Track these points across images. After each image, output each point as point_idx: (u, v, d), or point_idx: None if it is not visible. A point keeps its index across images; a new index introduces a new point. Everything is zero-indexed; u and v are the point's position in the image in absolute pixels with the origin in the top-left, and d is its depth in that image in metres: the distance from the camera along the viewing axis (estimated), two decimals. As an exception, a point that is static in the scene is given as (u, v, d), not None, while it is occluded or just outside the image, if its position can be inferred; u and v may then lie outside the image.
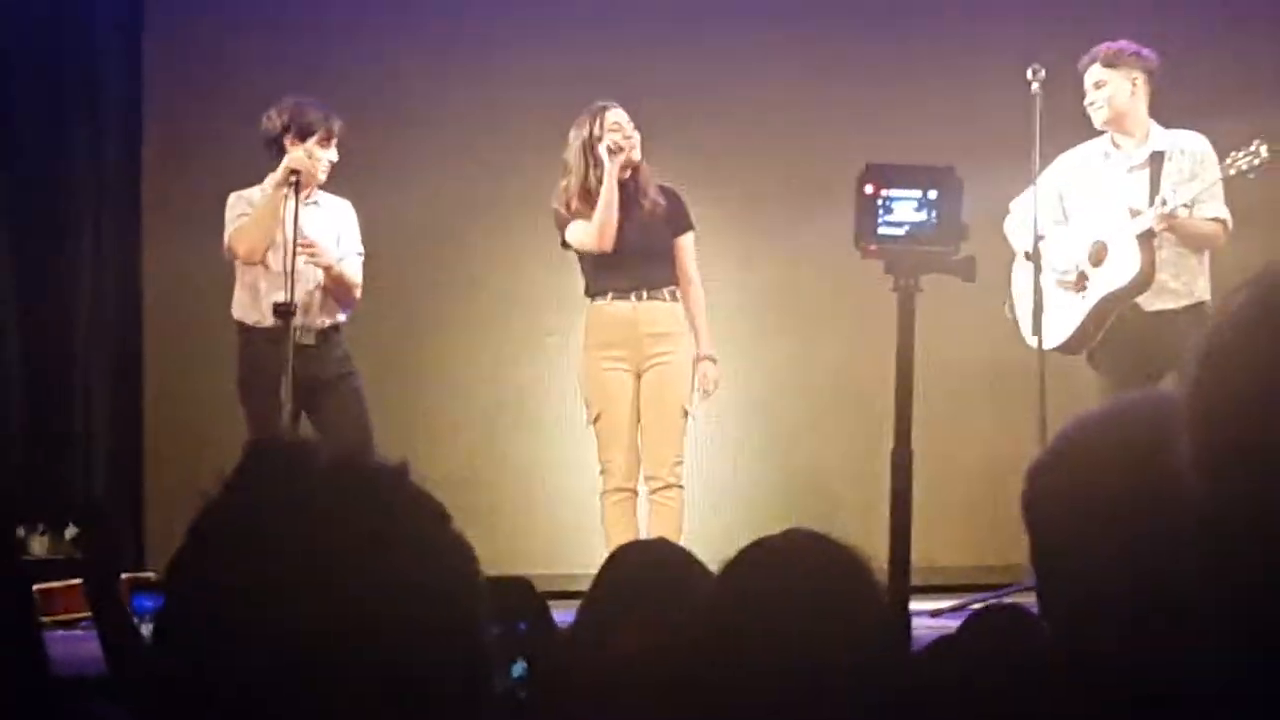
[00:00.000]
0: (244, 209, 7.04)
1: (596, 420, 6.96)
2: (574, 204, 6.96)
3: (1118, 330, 6.68)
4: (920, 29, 8.42)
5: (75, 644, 4.65)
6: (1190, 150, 6.77)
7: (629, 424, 6.92)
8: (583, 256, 7.04)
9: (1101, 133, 6.86)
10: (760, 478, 8.43)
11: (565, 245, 7.06)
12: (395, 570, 1.26)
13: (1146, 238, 6.61)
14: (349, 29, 8.79)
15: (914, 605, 4.24)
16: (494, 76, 8.68)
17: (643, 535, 6.67)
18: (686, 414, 6.98)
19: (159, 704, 1.29)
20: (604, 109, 6.98)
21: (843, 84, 8.42)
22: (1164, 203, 6.55)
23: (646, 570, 2.90)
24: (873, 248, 3.93)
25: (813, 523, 2.39)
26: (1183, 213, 6.59)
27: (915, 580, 3.88)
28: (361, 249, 7.22)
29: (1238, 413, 1.11)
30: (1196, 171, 6.70)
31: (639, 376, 6.93)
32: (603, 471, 6.97)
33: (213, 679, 1.24)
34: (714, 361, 7.03)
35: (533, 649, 3.03)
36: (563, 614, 3.18)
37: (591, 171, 6.94)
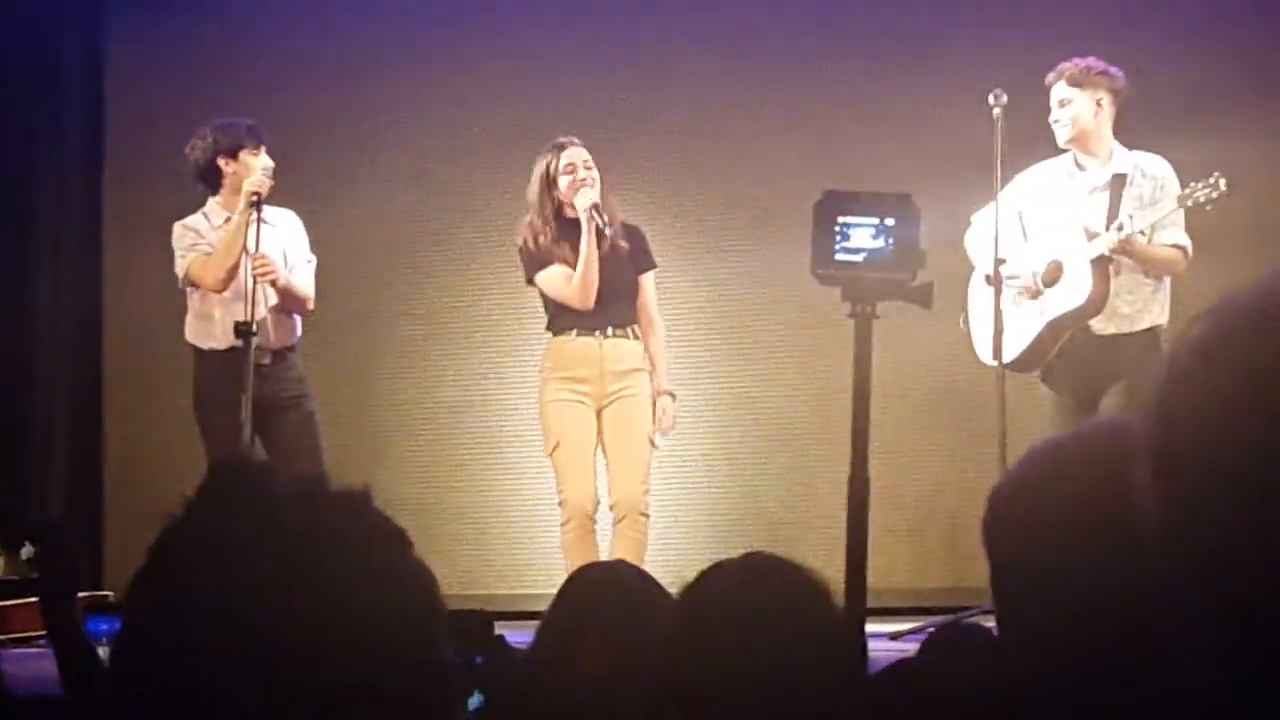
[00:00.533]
0: (193, 240, 7.04)
1: (555, 450, 6.95)
2: (540, 241, 6.94)
3: (1070, 351, 6.64)
4: (881, 52, 8.44)
5: (30, 662, 4.64)
6: (1152, 174, 6.74)
7: (587, 455, 6.90)
8: (546, 297, 7.02)
9: (1064, 151, 6.83)
10: (718, 502, 8.43)
11: (530, 283, 7.04)
12: (357, 595, 1.26)
13: (1101, 262, 6.58)
14: (310, 48, 8.79)
15: (873, 628, 4.25)
16: (450, 96, 8.68)
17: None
18: (653, 444, 6.99)
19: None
20: (561, 147, 6.95)
21: (803, 109, 8.44)
22: (1120, 228, 6.52)
23: (605, 592, 2.90)
24: (830, 274, 3.94)
25: (772, 547, 2.40)
26: (1140, 239, 6.58)
27: (874, 603, 3.88)
28: (311, 256, 7.21)
29: (1195, 441, 1.12)
30: (1157, 197, 6.68)
31: (600, 412, 6.92)
32: (561, 503, 6.93)
33: (171, 700, 1.24)
34: (672, 397, 7.03)
35: (489, 681, 3.02)
36: (522, 635, 3.18)
37: (549, 209, 6.90)
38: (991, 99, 6.70)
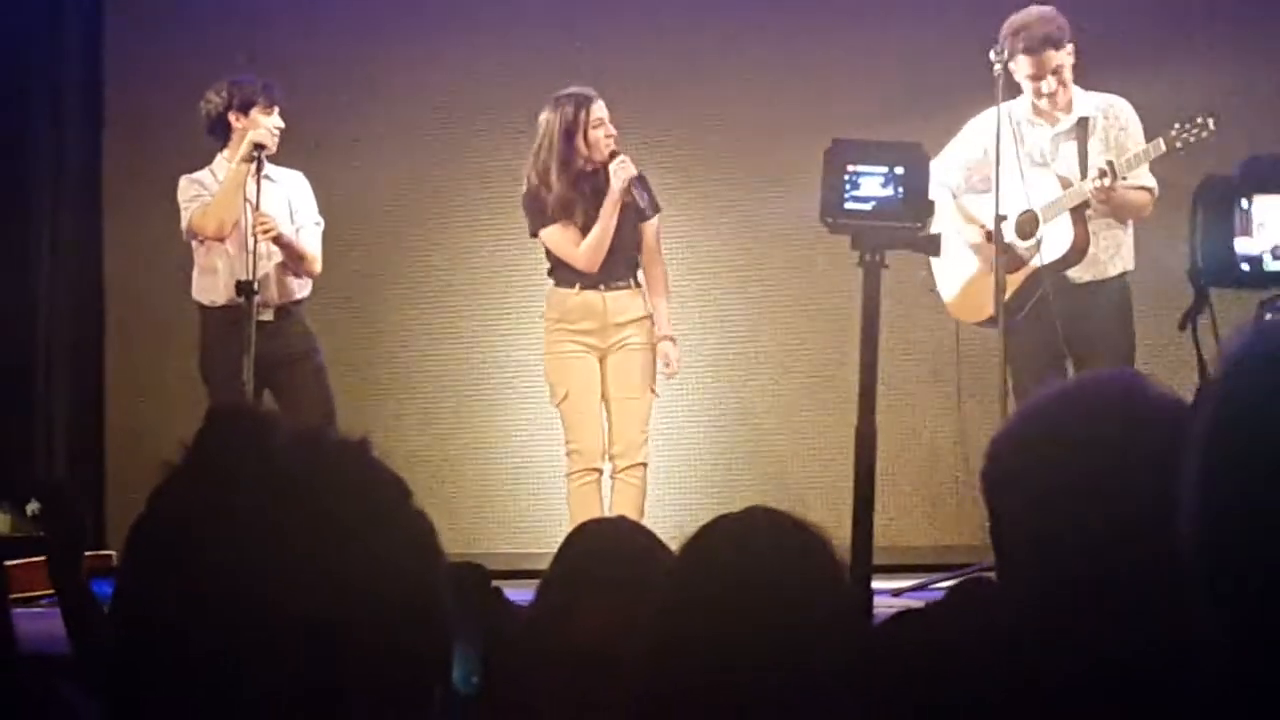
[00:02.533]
0: (197, 191, 7.07)
1: (563, 401, 6.95)
2: (547, 193, 6.90)
3: (1043, 302, 6.47)
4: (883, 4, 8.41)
5: (37, 621, 4.64)
6: (1114, 115, 6.62)
7: (595, 405, 6.94)
8: (550, 252, 7.02)
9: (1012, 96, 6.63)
10: (721, 455, 8.43)
11: (534, 235, 7.03)
12: (355, 542, 1.26)
13: (1081, 209, 6.50)
14: (309, 9, 8.77)
15: (876, 584, 4.24)
16: (449, 57, 8.66)
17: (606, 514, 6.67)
18: (653, 392, 7.02)
19: (119, 675, 1.28)
20: (589, 100, 6.91)
21: (804, 57, 8.40)
22: (1103, 174, 6.40)
23: (607, 549, 2.90)
24: (839, 223, 3.93)
25: (776, 501, 2.39)
26: (1120, 182, 6.45)
27: (878, 559, 3.88)
28: (319, 219, 7.23)
29: (1252, 471, 1.12)
30: (1121, 139, 6.56)
31: (603, 360, 6.95)
32: (570, 453, 6.97)
33: (170, 645, 1.24)
34: (673, 341, 7.04)
35: (487, 635, 3.02)
36: (523, 593, 3.17)
37: (569, 159, 6.86)
38: (992, 55, 6.52)
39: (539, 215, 6.96)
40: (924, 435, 8.08)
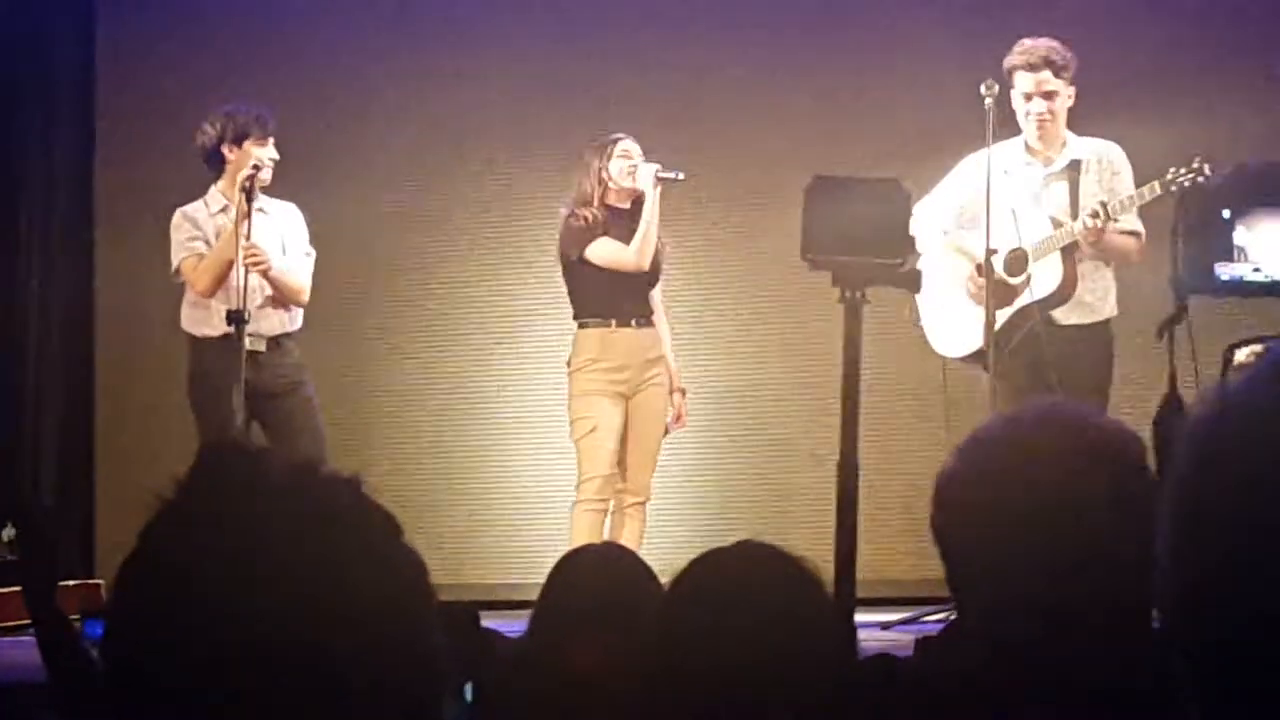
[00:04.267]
0: (191, 231, 7.07)
1: (589, 434, 7.04)
2: (592, 219, 7.05)
3: (1028, 342, 6.48)
4: (866, 39, 8.42)
5: (21, 650, 4.62)
6: (1107, 159, 6.64)
7: (616, 442, 7.07)
8: (585, 282, 7.11)
9: (1009, 135, 6.66)
10: (710, 490, 8.43)
11: (580, 261, 7.10)
12: (347, 580, 1.26)
13: (1070, 249, 6.52)
14: (303, 32, 8.78)
15: (864, 618, 4.24)
16: (445, 83, 8.67)
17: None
18: (666, 432, 7.24)
19: (109, 711, 1.27)
20: (616, 140, 7.13)
21: (795, 93, 8.42)
22: (1095, 214, 6.40)
23: (597, 577, 2.89)
24: (820, 259, 3.93)
25: (764, 535, 2.39)
26: (1110, 225, 6.47)
27: (864, 593, 3.88)
28: (310, 250, 7.23)
29: (1233, 507, 1.12)
30: (1114, 184, 6.58)
31: (628, 399, 7.10)
32: (583, 482, 7.06)
33: (162, 682, 1.23)
34: (684, 394, 7.29)
35: (478, 674, 3.01)
36: (512, 624, 3.17)
37: (598, 198, 7.06)
38: (983, 89, 6.52)
39: (583, 234, 7.08)
40: (911, 468, 8.06)
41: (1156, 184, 6.42)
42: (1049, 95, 6.61)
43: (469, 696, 2.93)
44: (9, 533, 7.07)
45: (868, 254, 3.90)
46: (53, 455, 8.70)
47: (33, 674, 3.71)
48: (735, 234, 8.45)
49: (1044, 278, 6.54)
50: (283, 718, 1.22)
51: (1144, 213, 6.56)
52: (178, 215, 7.14)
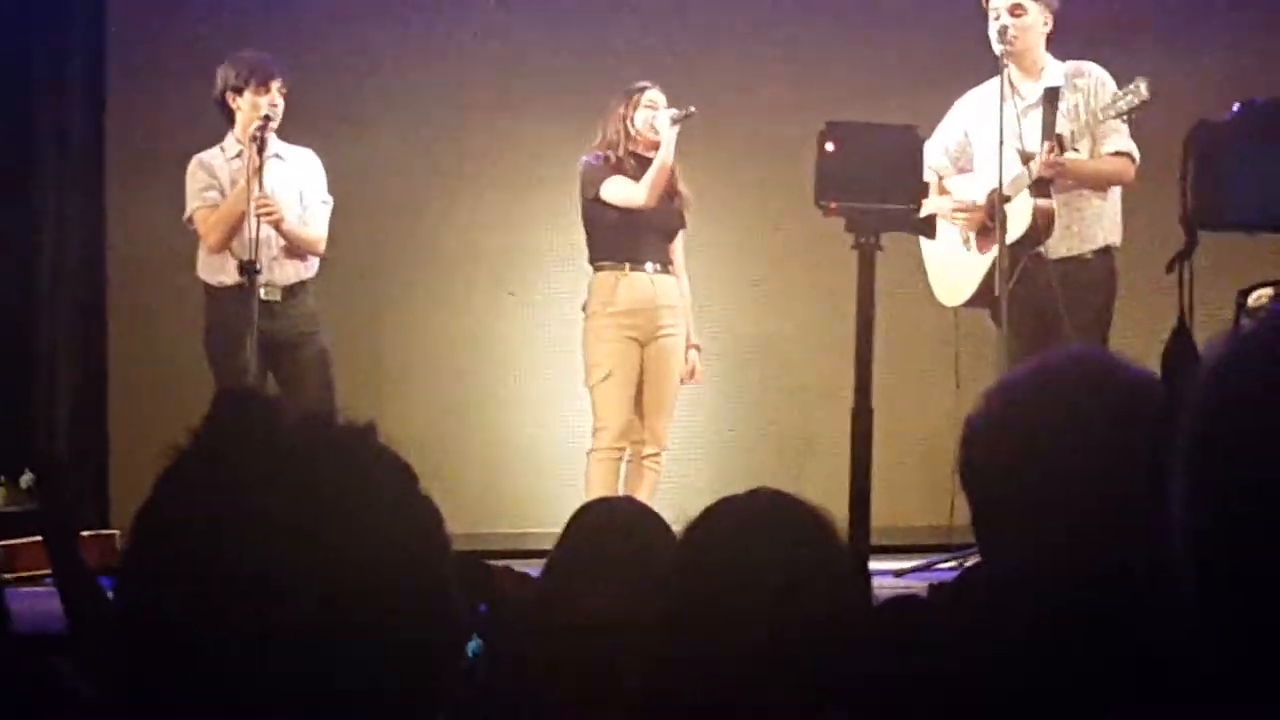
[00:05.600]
0: (206, 180, 7.08)
1: (605, 379, 7.06)
2: (611, 160, 7.10)
3: (1023, 280, 6.38)
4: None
5: (40, 600, 4.64)
6: (1083, 84, 6.56)
7: (632, 389, 7.10)
8: (600, 222, 7.13)
9: (992, 73, 6.58)
10: (727, 436, 8.43)
11: (595, 200, 7.13)
12: (362, 527, 1.26)
13: (1040, 184, 6.40)
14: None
15: (878, 565, 4.26)
16: (454, 39, 8.64)
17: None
18: (680, 383, 7.26)
19: (123, 657, 1.28)
20: (643, 89, 7.17)
21: (807, 41, 8.39)
22: (1051, 149, 6.31)
23: (614, 528, 2.90)
24: (834, 206, 3.93)
25: (779, 483, 2.39)
26: (1074, 156, 6.39)
27: (879, 540, 3.89)
28: (328, 198, 7.24)
29: (1250, 450, 1.12)
30: (1092, 105, 6.46)
31: (644, 346, 7.11)
32: (598, 430, 7.11)
33: (176, 631, 1.24)
34: (699, 350, 7.31)
35: (490, 628, 3.02)
36: (528, 573, 3.18)
37: (623, 146, 7.11)
38: (996, 34, 6.51)
39: (599, 173, 7.12)
40: (925, 415, 8.06)
41: (1098, 113, 6.36)
42: (1015, 10, 6.53)
43: (472, 652, 2.94)
44: (28, 479, 7.08)
45: (881, 200, 3.89)
46: (66, 406, 8.70)
47: (54, 623, 3.72)
48: (748, 181, 8.42)
49: (1016, 217, 6.43)
50: (298, 665, 1.22)
51: (1149, 144, 6.47)
52: (193, 162, 7.15)
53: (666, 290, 7.15)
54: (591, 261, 7.22)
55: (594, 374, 7.12)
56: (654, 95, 7.15)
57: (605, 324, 7.08)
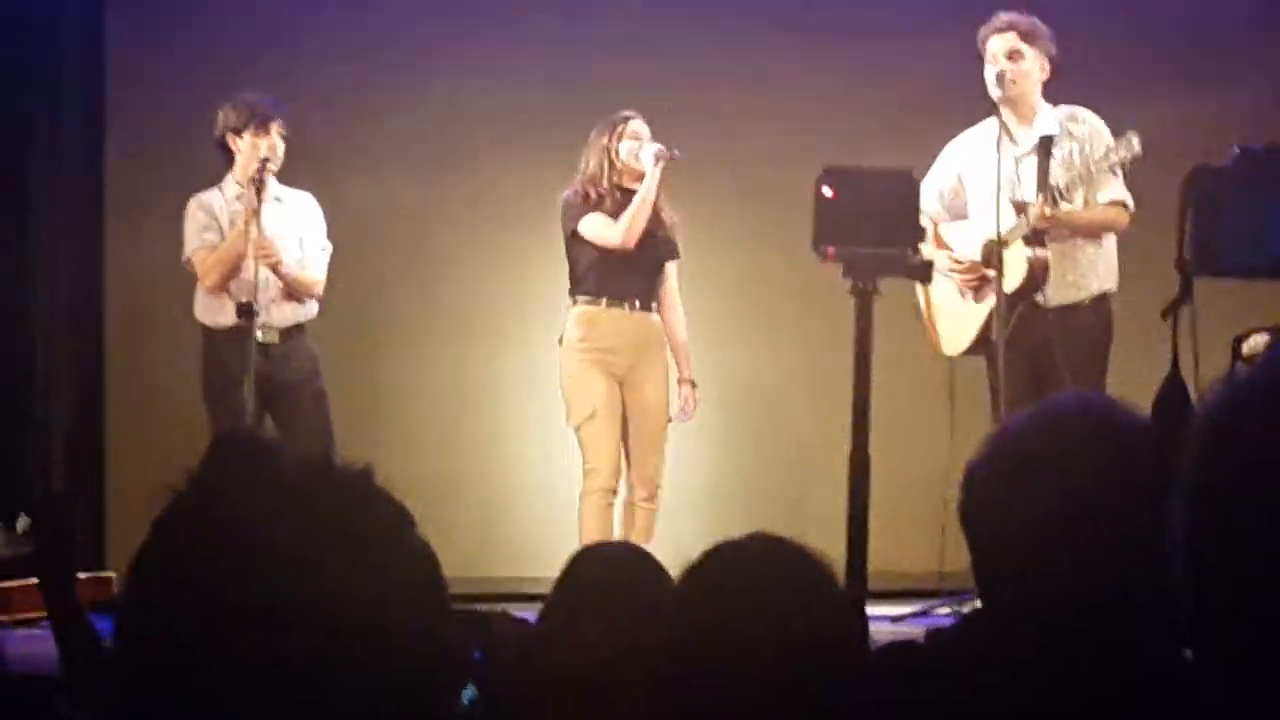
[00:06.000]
0: (204, 221, 7.10)
1: (587, 420, 6.97)
2: (591, 196, 7.01)
3: (1019, 328, 6.40)
4: (875, 29, 8.40)
5: (35, 643, 4.62)
6: (1078, 132, 6.57)
7: (616, 428, 6.99)
8: (581, 258, 7.05)
9: (987, 116, 6.61)
10: (724, 480, 8.42)
11: (574, 235, 7.07)
12: (358, 570, 1.26)
13: (1034, 236, 6.41)
14: (315, 25, 8.76)
15: (875, 610, 4.25)
16: (449, 78, 8.65)
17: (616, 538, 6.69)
18: (669, 422, 7.13)
19: (119, 697, 1.28)
20: (627, 119, 7.08)
21: (803, 85, 8.41)
22: (1048, 201, 6.34)
23: (608, 575, 2.90)
24: (832, 250, 3.93)
25: (776, 527, 2.39)
26: (1067, 207, 6.39)
27: (876, 585, 3.88)
28: (327, 244, 7.25)
29: (1249, 492, 1.13)
30: (1086, 152, 6.47)
31: (624, 385, 7.00)
32: (588, 472, 7.01)
33: (173, 674, 1.24)
34: (694, 386, 7.18)
35: (487, 675, 3.02)
36: (525, 618, 3.17)
37: (607, 178, 7.01)
38: (994, 79, 6.53)
39: (578, 209, 7.04)
40: (923, 460, 8.05)
41: (1091, 164, 6.36)
42: (1013, 56, 6.54)
43: (467, 699, 2.93)
44: (24, 523, 7.06)
45: (879, 244, 3.90)
46: (62, 446, 8.69)
47: (48, 665, 3.71)
48: (744, 226, 8.43)
49: (1012, 269, 6.43)
50: (295, 708, 1.22)
51: (1141, 190, 6.49)
52: (192, 203, 7.16)
53: (647, 328, 7.04)
54: (571, 295, 7.12)
55: (577, 413, 7.01)
56: (637, 125, 7.06)
57: (581, 359, 6.98)
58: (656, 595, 2.53)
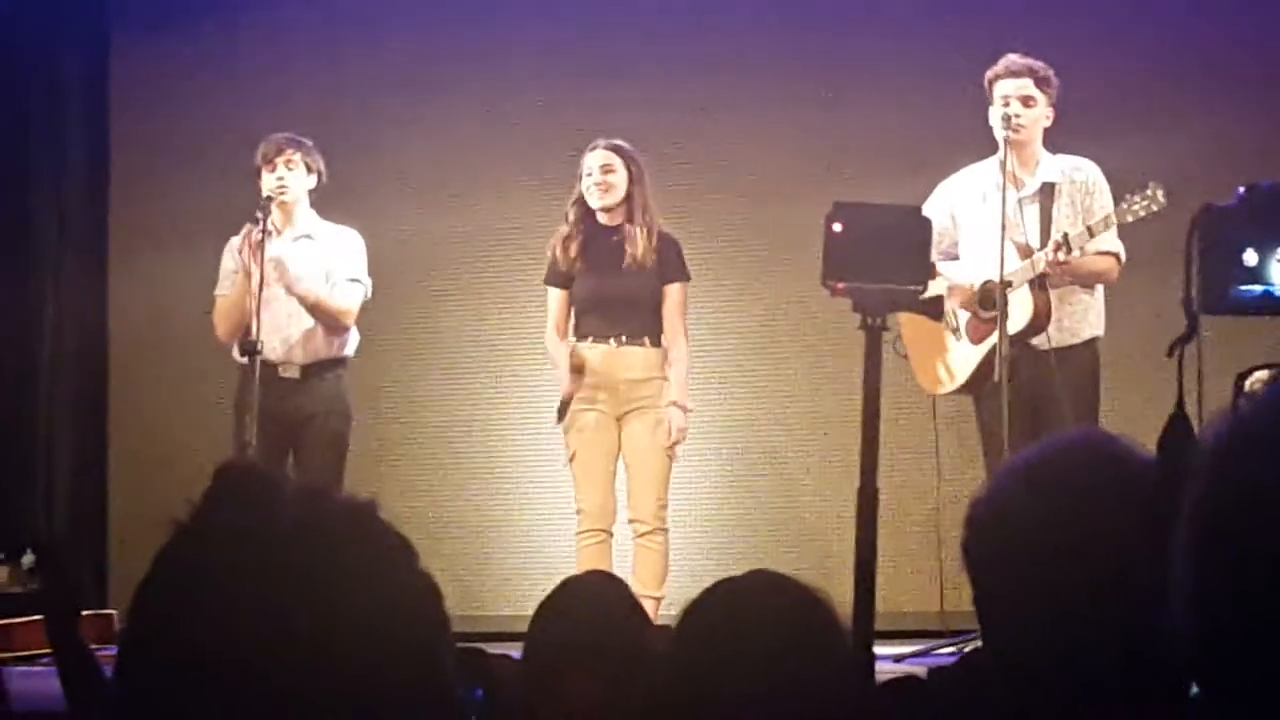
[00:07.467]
0: (228, 265, 7.13)
1: (572, 460, 6.92)
2: (562, 252, 6.95)
3: (1019, 371, 6.33)
4: (885, 65, 8.42)
5: (37, 680, 4.62)
6: (1080, 180, 6.56)
7: (604, 465, 6.88)
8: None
9: (993, 154, 6.57)
10: (726, 518, 8.40)
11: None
12: (361, 604, 1.26)
13: (1039, 279, 6.42)
14: (323, 59, 8.79)
15: (876, 649, 4.23)
16: (455, 115, 8.67)
17: (627, 578, 6.63)
18: (672, 457, 6.95)
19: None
20: (594, 147, 6.98)
21: (814, 121, 8.42)
22: (1058, 246, 6.33)
23: (587, 612, 2.90)
24: (841, 286, 3.93)
25: (781, 565, 2.39)
26: (1076, 255, 6.39)
27: (880, 625, 3.87)
28: (362, 278, 7.15)
29: (1253, 528, 1.13)
30: (1088, 204, 6.49)
31: (619, 420, 6.90)
32: (578, 512, 6.93)
33: (175, 709, 1.23)
34: (683, 410, 6.92)
35: (485, 714, 3.01)
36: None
37: (571, 216, 6.95)
38: (1002, 120, 6.52)
39: (548, 267, 7.03)
40: (929, 499, 8.04)
41: (1112, 214, 6.36)
42: (1027, 101, 6.53)
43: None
44: (29, 560, 7.07)
45: (888, 280, 3.90)
46: (65, 484, 8.69)
47: (51, 703, 3.71)
48: (749, 259, 8.43)
49: (1016, 310, 6.42)
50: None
51: (1128, 233, 6.51)
52: (228, 246, 7.16)
53: (629, 363, 6.88)
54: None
55: (568, 454, 6.96)
56: (590, 159, 6.92)
57: (576, 399, 6.88)
58: (629, 629, 2.51)
